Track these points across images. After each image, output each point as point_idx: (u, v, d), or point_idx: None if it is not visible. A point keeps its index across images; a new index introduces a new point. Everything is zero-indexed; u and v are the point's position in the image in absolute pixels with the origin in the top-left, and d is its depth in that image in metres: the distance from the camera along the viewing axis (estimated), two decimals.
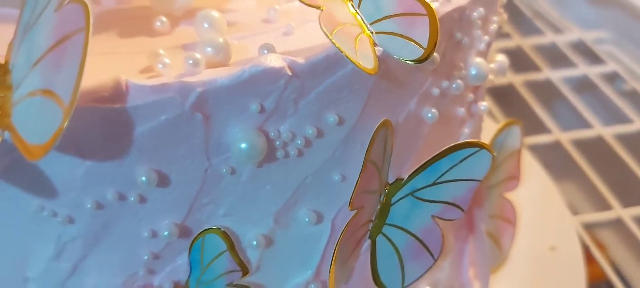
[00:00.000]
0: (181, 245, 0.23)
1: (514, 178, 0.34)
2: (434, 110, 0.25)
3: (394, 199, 0.25)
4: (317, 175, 0.23)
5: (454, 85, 0.25)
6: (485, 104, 0.30)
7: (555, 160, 0.49)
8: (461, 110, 0.27)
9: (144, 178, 0.20)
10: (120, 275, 0.23)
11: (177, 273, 0.23)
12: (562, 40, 0.62)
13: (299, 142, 0.22)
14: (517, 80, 0.57)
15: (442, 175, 0.25)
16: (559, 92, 0.56)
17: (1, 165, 0.20)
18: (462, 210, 0.26)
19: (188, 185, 0.22)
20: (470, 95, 0.28)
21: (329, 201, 0.24)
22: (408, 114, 0.24)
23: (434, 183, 0.25)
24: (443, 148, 0.25)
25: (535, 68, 0.59)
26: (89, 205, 0.21)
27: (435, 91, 0.25)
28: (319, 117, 0.22)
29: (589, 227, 0.44)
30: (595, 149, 0.50)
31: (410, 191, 0.25)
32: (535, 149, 0.48)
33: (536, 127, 0.51)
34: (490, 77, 0.28)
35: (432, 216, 0.26)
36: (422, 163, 0.25)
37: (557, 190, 0.44)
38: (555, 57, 0.61)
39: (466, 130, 0.29)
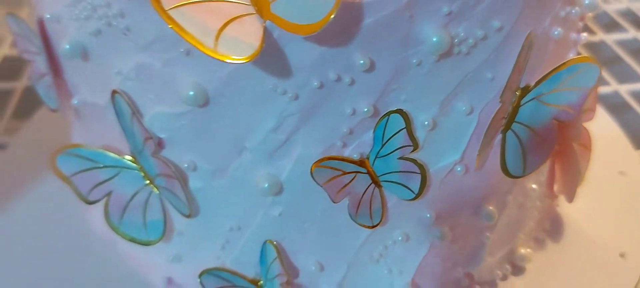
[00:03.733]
0: (370, 123, 0.28)
1: (591, 110, 0.40)
2: (560, 29, 0.31)
3: (523, 101, 0.31)
4: (475, 73, 0.28)
5: (573, 11, 0.31)
6: (585, 34, 0.36)
7: (614, 107, 0.55)
8: (573, 35, 0.33)
9: (361, 61, 0.26)
10: (321, 146, 0.29)
11: (363, 146, 0.29)
12: (611, 8, 0.68)
13: (470, 41, 0.27)
14: None
15: (562, 83, 0.32)
16: (613, 52, 0.62)
17: None
18: (575, 112, 0.33)
19: (385, 72, 0.27)
20: (580, 23, 0.34)
21: (480, 96, 0.29)
22: (543, 30, 0.30)
23: (555, 90, 0.32)
24: (563, 61, 0.32)
25: (589, 31, 0.65)
26: (315, 84, 0.27)
27: (562, 13, 0.31)
28: (486, 23, 0.27)
29: None
30: None
31: (536, 95, 0.31)
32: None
33: None
34: (591, 13, 0.35)
35: (552, 117, 0.32)
36: (545, 73, 0.32)
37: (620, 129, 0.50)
38: (607, 22, 0.67)
39: (571, 55, 0.35)
